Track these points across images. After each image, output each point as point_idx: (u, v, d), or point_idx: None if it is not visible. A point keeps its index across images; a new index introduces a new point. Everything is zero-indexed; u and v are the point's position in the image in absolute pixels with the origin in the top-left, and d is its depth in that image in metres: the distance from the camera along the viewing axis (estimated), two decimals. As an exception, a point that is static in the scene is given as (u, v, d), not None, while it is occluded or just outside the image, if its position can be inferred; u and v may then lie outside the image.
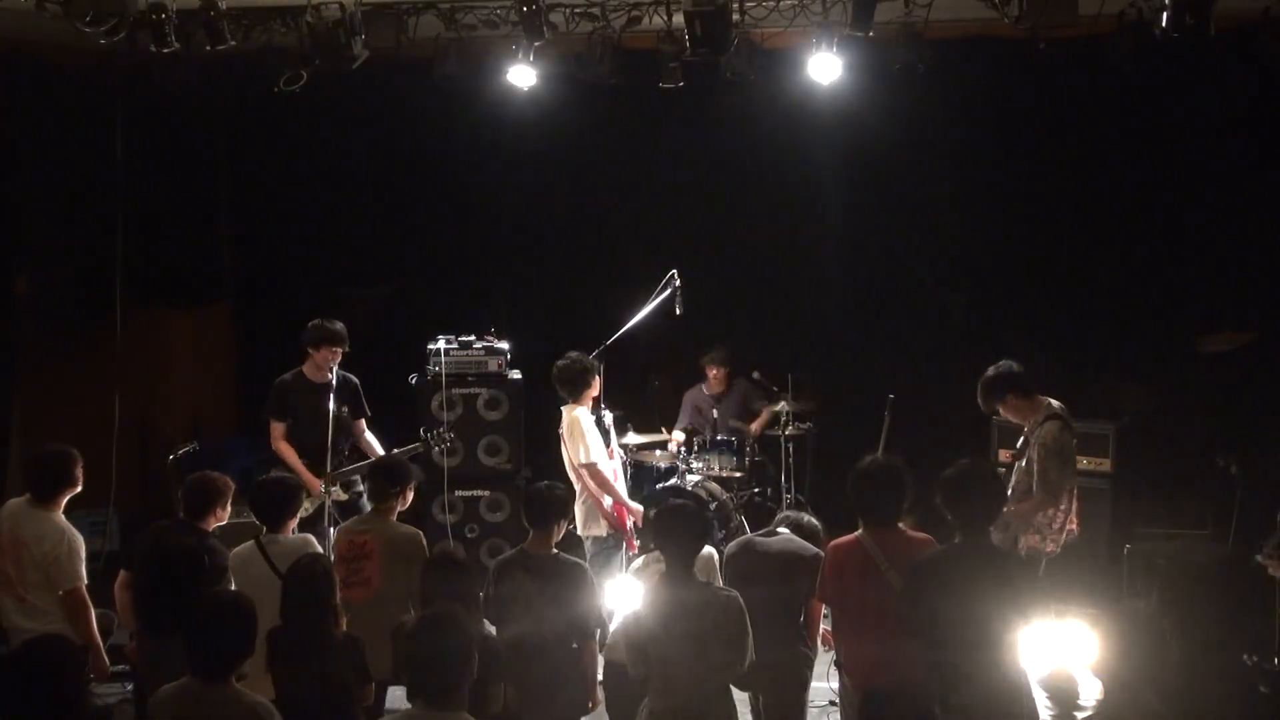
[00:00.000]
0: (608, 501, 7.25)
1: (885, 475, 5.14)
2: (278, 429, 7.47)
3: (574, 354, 7.40)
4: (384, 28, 7.13)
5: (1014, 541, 6.29)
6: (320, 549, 5.86)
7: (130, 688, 6.40)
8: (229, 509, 5.92)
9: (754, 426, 9.01)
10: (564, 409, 7.37)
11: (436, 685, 3.97)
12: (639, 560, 5.97)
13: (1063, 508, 6.33)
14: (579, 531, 7.13)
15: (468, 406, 8.31)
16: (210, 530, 5.80)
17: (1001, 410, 6.56)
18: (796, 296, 9.60)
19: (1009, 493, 6.22)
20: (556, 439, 7.53)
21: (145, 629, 5.61)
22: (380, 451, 7.56)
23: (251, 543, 5.66)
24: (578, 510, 6.97)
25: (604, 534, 7.29)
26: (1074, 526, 6.46)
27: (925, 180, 9.02)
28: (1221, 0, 6.16)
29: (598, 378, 7.38)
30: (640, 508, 7.41)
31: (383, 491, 6.00)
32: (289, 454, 7.39)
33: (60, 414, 8.83)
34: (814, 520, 5.88)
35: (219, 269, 10.21)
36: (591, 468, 7.18)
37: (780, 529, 5.72)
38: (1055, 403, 6.47)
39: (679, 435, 8.99)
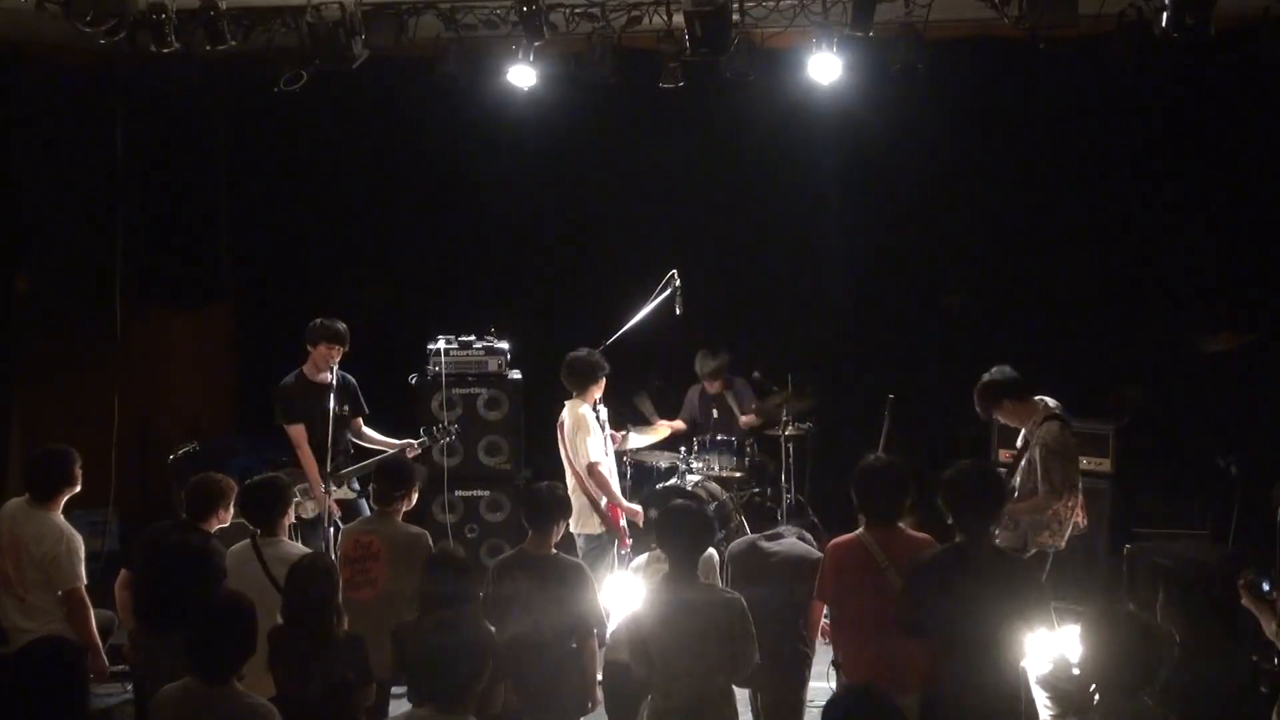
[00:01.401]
0: (604, 500, 7.26)
1: (888, 474, 5.15)
2: (299, 432, 7.36)
3: (585, 349, 7.42)
4: (384, 28, 7.13)
5: (1023, 540, 6.33)
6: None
7: (130, 687, 6.40)
8: (231, 510, 5.92)
9: (743, 419, 8.96)
10: (568, 403, 7.38)
11: (448, 690, 3.96)
12: (640, 559, 5.97)
13: (1069, 504, 6.37)
14: (571, 528, 7.12)
15: (468, 406, 8.31)
16: (212, 532, 5.80)
17: (999, 415, 6.65)
18: (796, 296, 9.58)
19: (1012, 493, 6.26)
20: (556, 439, 7.53)
21: (145, 629, 5.60)
22: (383, 440, 7.57)
23: (247, 542, 5.63)
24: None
25: (597, 532, 7.30)
26: (1081, 520, 6.52)
27: (925, 180, 9.02)
28: (1221, 0, 6.16)
29: (605, 377, 7.39)
30: (639, 509, 7.43)
31: (387, 493, 6.00)
32: (309, 461, 7.29)
33: (60, 414, 8.83)
34: (812, 541, 5.85)
35: (219, 269, 10.19)
36: (593, 468, 7.19)
37: (784, 532, 5.73)
38: (1052, 402, 6.52)
39: (679, 424, 8.94)
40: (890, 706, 3.71)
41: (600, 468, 7.23)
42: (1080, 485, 6.50)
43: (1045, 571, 6.37)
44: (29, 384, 9.01)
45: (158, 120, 9.05)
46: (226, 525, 5.91)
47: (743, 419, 8.93)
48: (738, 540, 5.90)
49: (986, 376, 6.55)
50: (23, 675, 3.93)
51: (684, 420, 9.05)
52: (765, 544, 5.60)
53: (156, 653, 5.26)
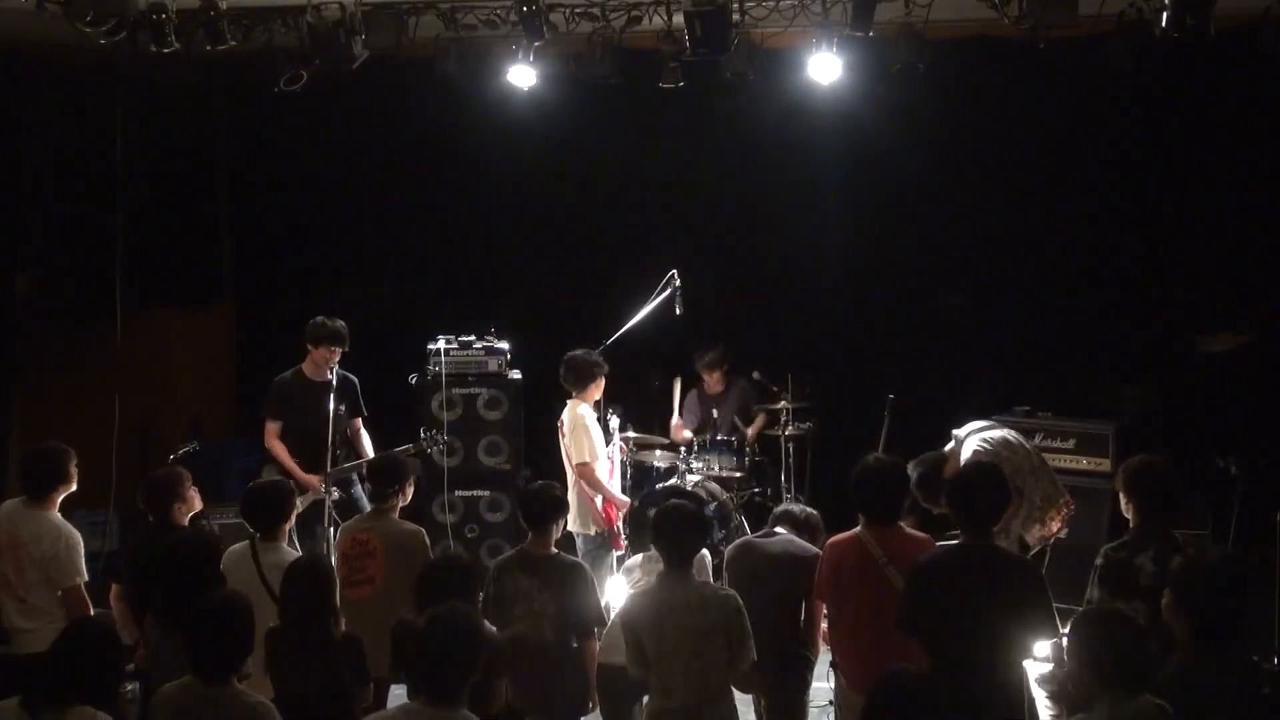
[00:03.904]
0: (600, 501, 7.27)
1: (888, 473, 5.16)
2: (272, 428, 7.49)
3: (583, 349, 7.44)
4: (384, 28, 7.13)
5: (1018, 544, 6.30)
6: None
7: (130, 688, 6.38)
8: (191, 495, 5.91)
9: (750, 431, 8.99)
10: (569, 402, 7.39)
11: (441, 683, 3.96)
12: (635, 559, 5.97)
13: (1028, 493, 6.34)
14: (569, 527, 7.12)
15: (468, 406, 8.32)
16: (184, 522, 5.82)
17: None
18: (796, 296, 9.59)
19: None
20: (556, 439, 7.54)
21: (155, 625, 5.60)
22: (371, 453, 7.57)
23: (245, 545, 5.61)
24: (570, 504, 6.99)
25: (592, 533, 7.31)
26: (1067, 501, 6.51)
27: (925, 180, 9.01)
28: (1221, 0, 6.16)
29: (604, 377, 7.40)
30: (626, 499, 7.45)
31: (382, 490, 6.00)
32: (281, 452, 7.41)
33: (60, 414, 8.82)
34: (810, 510, 5.87)
35: (219, 269, 10.20)
36: (584, 467, 7.20)
37: (778, 529, 5.72)
38: (966, 428, 6.56)
39: (686, 433, 8.94)
40: (933, 692, 3.72)
41: (594, 467, 7.23)
42: (1045, 474, 6.52)
43: (1044, 565, 6.35)
44: (30, 384, 9.00)
45: (158, 120, 9.04)
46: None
47: (750, 431, 8.94)
48: (734, 542, 5.90)
49: (909, 476, 6.15)
50: (72, 650, 4.06)
51: (688, 426, 9.04)
52: (760, 543, 5.60)
53: (166, 652, 5.25)
